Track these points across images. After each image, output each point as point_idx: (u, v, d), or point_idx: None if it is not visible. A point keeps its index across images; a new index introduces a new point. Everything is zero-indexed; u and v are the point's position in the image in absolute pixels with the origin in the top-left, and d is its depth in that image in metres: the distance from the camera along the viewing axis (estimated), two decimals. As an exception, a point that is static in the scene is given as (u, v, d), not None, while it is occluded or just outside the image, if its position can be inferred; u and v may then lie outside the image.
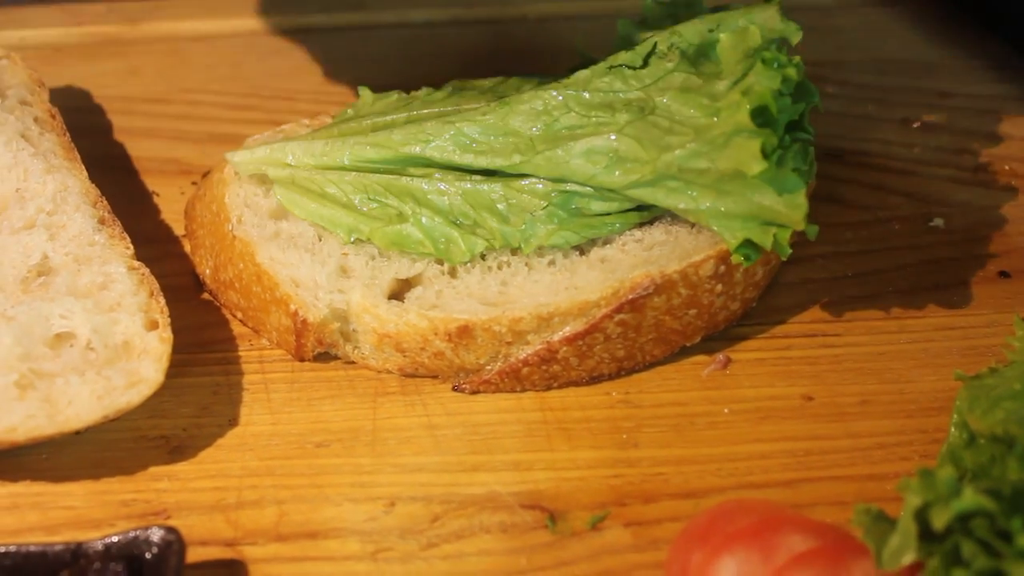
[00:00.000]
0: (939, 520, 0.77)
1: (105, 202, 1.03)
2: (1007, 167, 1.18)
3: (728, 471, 0.92)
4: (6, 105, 1.10)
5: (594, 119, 0.95)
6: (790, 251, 0.93)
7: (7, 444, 0.88)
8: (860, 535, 0.80)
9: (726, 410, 0.96)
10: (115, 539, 0.83)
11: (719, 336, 1.00)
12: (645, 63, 0.97)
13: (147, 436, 0.94)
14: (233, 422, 0.95)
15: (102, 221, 1.01)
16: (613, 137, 0.94)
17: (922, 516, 0.77)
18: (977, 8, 1.34)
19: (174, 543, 0.82)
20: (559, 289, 0.96)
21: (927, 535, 0.78)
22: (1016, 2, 1.31)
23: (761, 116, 0.90)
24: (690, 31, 0.99)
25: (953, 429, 0.89)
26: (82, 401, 0.89)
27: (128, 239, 1.00)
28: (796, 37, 1.00)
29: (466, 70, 1.14)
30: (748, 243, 0.92)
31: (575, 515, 0.89)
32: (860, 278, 1.07)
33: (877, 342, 1.01)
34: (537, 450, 0.93)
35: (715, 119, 0.92)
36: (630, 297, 0.94)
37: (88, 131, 1.17)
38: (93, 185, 1.04)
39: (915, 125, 1.22)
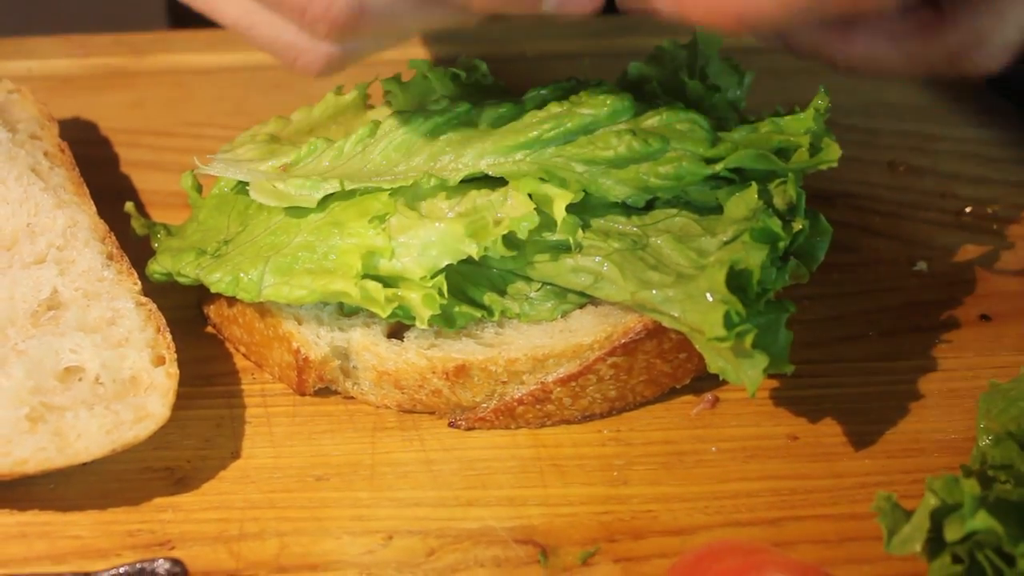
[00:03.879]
0: (952, 533, 0.83)
1: (113, 237, 1.06)
2: (989, 211, 1.21)
3: (715, 509, 0.95)
4: (17, 139, 1.13)
5: (587, 241, 0.98)
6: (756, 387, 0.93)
7: (17, 475, 0.91)
8: (878, 519, 0.86)
9: (714, 448, 0.99)
10: (122, 570, 0.86)
11: (708, 376, 1.03)
12: (649, 206, 1.00)
13: (152, 467, 0.97)
14: (236, 455, 0.98)
15: (110, 256, 1.04)
16: (598, 259, 0.97)
17: (936, 516, 0.84)
18: None
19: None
20: (554, 332, 0.99)
21: (937, 531, 0.84)
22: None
23: (737, 284, 0.92)
24: (695, 192, 1.00)
25: (978, 434, 0.94)
26: (91, 435, 0.92)
27: (135, 275, 1.03)
28: (834, 154, 1.00)
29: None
30: None
31: (566, 550, 0.92)
32: (845, 319, 1.10)
33: (861, 383, 1.04)
34: (530, 486, 0.96)
35: (697, 274, 0.94)
36: (623, 341, 0.98)
37: (94, 163, 1.19)
38: (102, 220, 1.07)
39: (901, 168, 1.25)
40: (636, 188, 0.98)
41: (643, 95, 1.06)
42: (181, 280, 1.02)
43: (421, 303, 0.95)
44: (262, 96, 1.32)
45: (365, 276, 0.96)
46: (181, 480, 0.96)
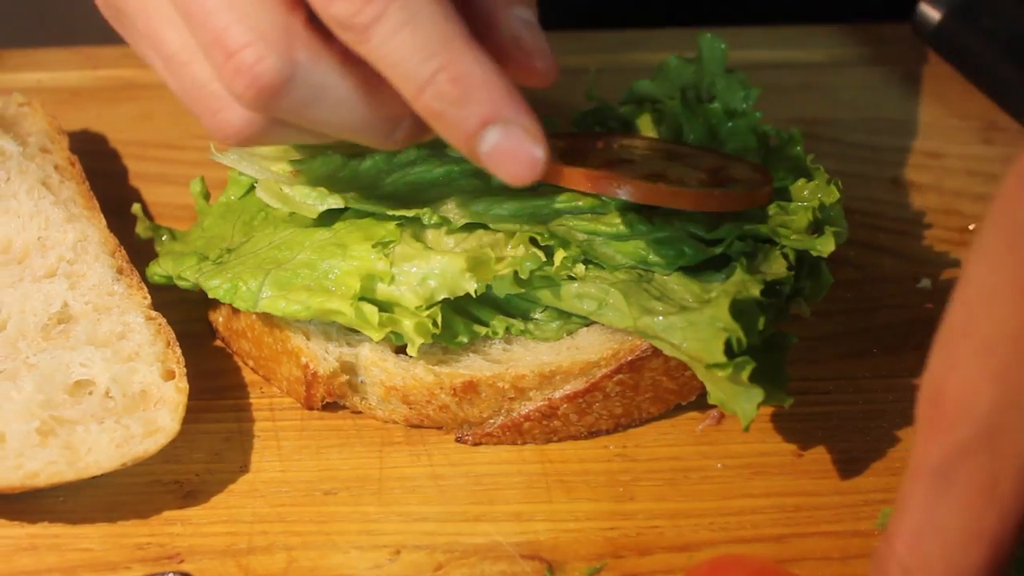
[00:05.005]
0: None
1: (123, 251, 1.06)
2: (993, 228, 1.22)
3: (720, 525, 0.96)
4: (27, 152, 1.13)
5: (592, 272, 0.99)
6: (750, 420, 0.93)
7: (28, 488, 0.92)
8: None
9: (719, 465, 1.00)
10: (132, 584, 0.87)
11: (713, 393, 1.04)
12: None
13: (161, 480, 0.98)
14: (244, 468, 0.99)
15: (120, 271, 1.04)
16: (603, 286, 0.98)
17: None
18: (966, 67, 1.38)
19: (189, 590, 0.86)
20: (561, 349, 1.00)
21: None
22: (1003, 62, 1.35)
23: (740, 312, 0.93)
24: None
25: None
26: (101, 448, 0.93)
27: (145, 288, 1.04)
28: (828, 247, 1.01)
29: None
30: None
31: (573, 566, 0.93)
32: (848, 336, 1.10)
33: (865, 400, 1.05)
34: (537, 501, 0.97)
35: (701, 306, 0.95)
36: (629, 359, 0.98)
37: (103, 175, 1.20)
38: (111, 234, 1.07)
39: (905, 185, 1.26)
40: (636, 260, 0.99)
41: (652, 116, 1.07)
42: (180, 284, 1.02)
43: (413, 330, 0.96)
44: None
45: (362, 299, 0.97)
46: (190, 493, 0.97)
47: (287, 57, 0.80)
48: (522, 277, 0.97)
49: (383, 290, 0.98)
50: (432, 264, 0.97)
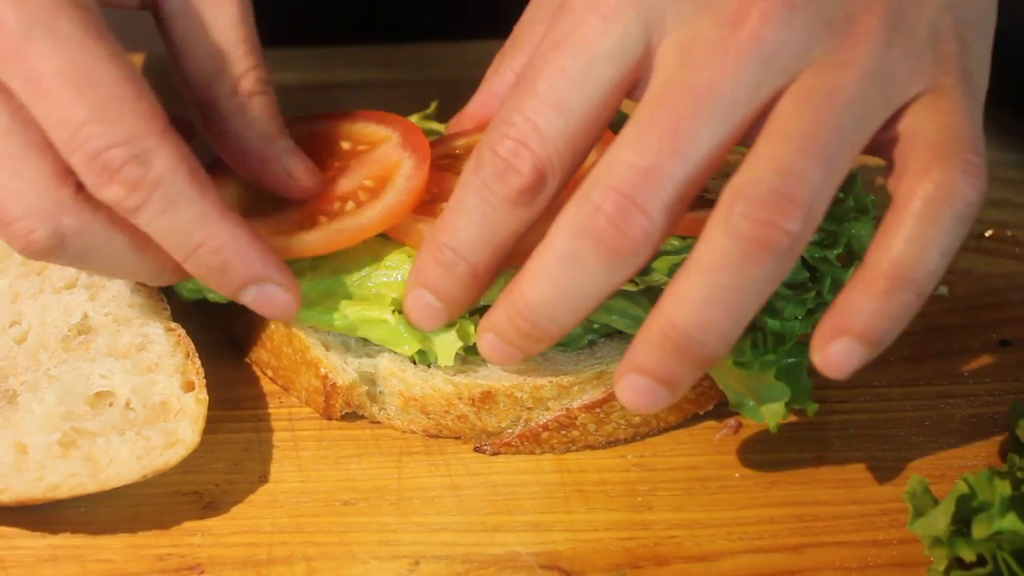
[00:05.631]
0: (980, 531, 0.86)
1: (142, 262, 1.07)
2: (1009, 234, 1.22)
3: (738, 535, 0.96)
4: (46, 163, 1.14)
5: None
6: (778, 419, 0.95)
7: (50, 500, 0.93)
8: (906, 498, 0.91)
9: (737, 474, 1.00)
10: (154, 596, 0.87)
11: (730, 402, 1.04)
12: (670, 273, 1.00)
13: (181, 491, 0.98)
14: (264, 479, 0.99)
15: (139, 282, 1.05)
16: (628, 295, 0.98)
17: (963, 506, 0.88)
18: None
19: (210, 601, 0.86)
20: (579, 359, 1.00)
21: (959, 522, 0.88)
22: (1017, 68, 1.35)
23: (766, 314, 0.93)
24: None
25: (1011, 441, 0.98)
26: (122, 460, 0.94)
27: (164, 300, 1.04)
28: None
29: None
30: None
31: (591, 576, 0.93)
32: (867, 345, 1.11)
33: (882, 409, 1.05)
34: (555, 511, 0.97)
35: None
36: (647, 369, 0.98)
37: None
38: (130, 245, 1.08)
39: None
40: (666, 274, 0.99)
41: None
42: (212, 298, 1.03)
43: (445, 343, 0.97)
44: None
45: (397, 311, 0.97)
46: (210, 504, 0.97)
47: (55, 229, 0.91)
48: None
49: None
50: None
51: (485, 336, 0.92)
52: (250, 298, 0.96)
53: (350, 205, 1.00)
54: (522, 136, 0.88)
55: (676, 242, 0.98)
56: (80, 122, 0.88)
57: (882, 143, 0.89)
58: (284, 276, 0.95)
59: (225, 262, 0.93)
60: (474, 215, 0.90)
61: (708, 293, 0.84)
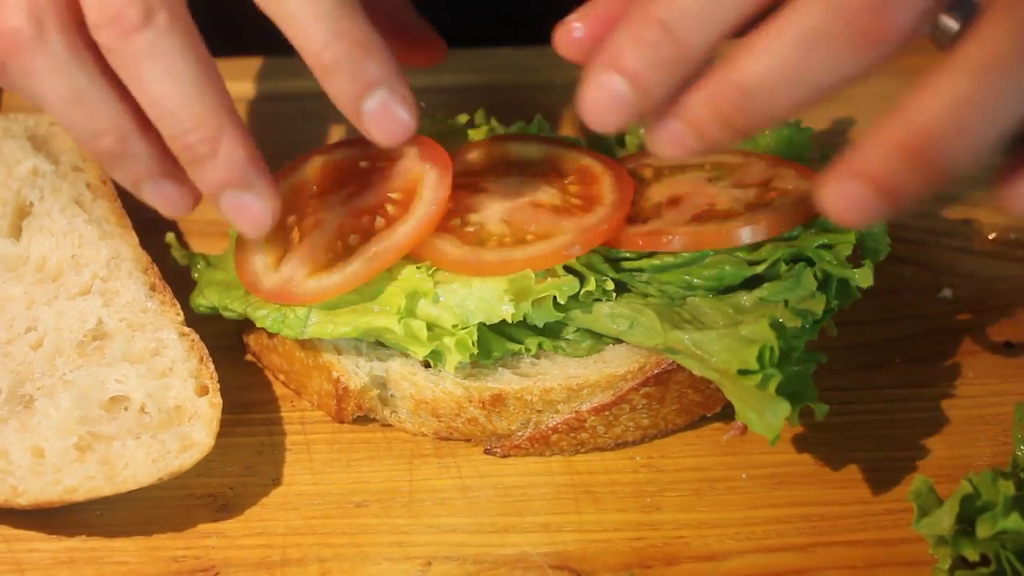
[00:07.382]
0: (984, 530, 0.87)
1: (155, 268, 1.08)
2: (1013, 237, 1.23)
3: (746, 535, 0.97)
4: (59, 171, 1.15)
5: (625, 298, 1.01)
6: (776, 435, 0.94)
7: (66, 503, 0.94)
8: (910, 498, 0.92)
9: (744, 475, 1.01)
10: (170, 597, 0.88)
11: (738, 404, 1.05)
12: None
13: (195, 494, 0.99)
14: (277, 481, 1.01)
15: (153, 288, 1.06)
16: (636, 305, 1.00)
17: (967, 505, 0.88)
18: None
19: (226, 602, 0.88)
20: (588, 363, 1.01)
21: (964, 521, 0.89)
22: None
23: (774, 329, 0.94)
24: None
25: (1015, 443, 0.98)
26: (138, 463, 0.95)
27: (178, 305, 1.06)
28: (866, 281, 1.01)
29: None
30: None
31: (601, 576, 0.94)
32: (870, 346, 1.12)
33: (887, 410, 1.06)
34: (565, 512, 0.99)
35: (734, 326, 0.96)
36: (655, 372, 1.00)
37: (129, 193, 1.21)
38: (144, 251, 1.09)
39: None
40: (678, 287, 1.01)
41: None
42: (227, 314, 1.04)
43: (454, 347, 0.98)
44: (291, 125, 1.34)
45: (407, 316, 0.98)
46: (224, 507, 0.98)
47: (38, 30, 0.91)
48: (560, 302, 0.99)
49: (423, 310, 0.99)
50: (473, 287, 0.99)
51: (670, 123, 0.81)
52: (374, 103, 0.91)
53: (379, 221, 1.01)
54: None
55: (685, 254, 1.00)
56: None
57: None
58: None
59: (365, 54, 0.90)
60: None
61: (978, 91, 0.75)
